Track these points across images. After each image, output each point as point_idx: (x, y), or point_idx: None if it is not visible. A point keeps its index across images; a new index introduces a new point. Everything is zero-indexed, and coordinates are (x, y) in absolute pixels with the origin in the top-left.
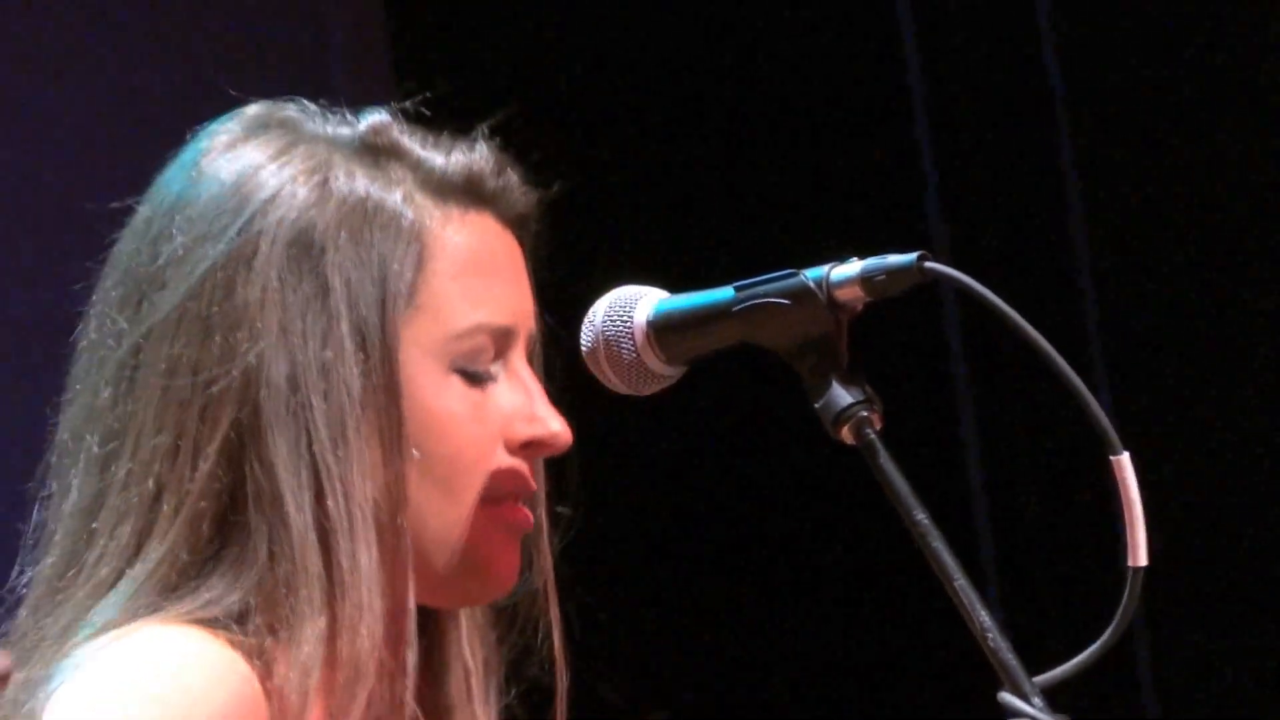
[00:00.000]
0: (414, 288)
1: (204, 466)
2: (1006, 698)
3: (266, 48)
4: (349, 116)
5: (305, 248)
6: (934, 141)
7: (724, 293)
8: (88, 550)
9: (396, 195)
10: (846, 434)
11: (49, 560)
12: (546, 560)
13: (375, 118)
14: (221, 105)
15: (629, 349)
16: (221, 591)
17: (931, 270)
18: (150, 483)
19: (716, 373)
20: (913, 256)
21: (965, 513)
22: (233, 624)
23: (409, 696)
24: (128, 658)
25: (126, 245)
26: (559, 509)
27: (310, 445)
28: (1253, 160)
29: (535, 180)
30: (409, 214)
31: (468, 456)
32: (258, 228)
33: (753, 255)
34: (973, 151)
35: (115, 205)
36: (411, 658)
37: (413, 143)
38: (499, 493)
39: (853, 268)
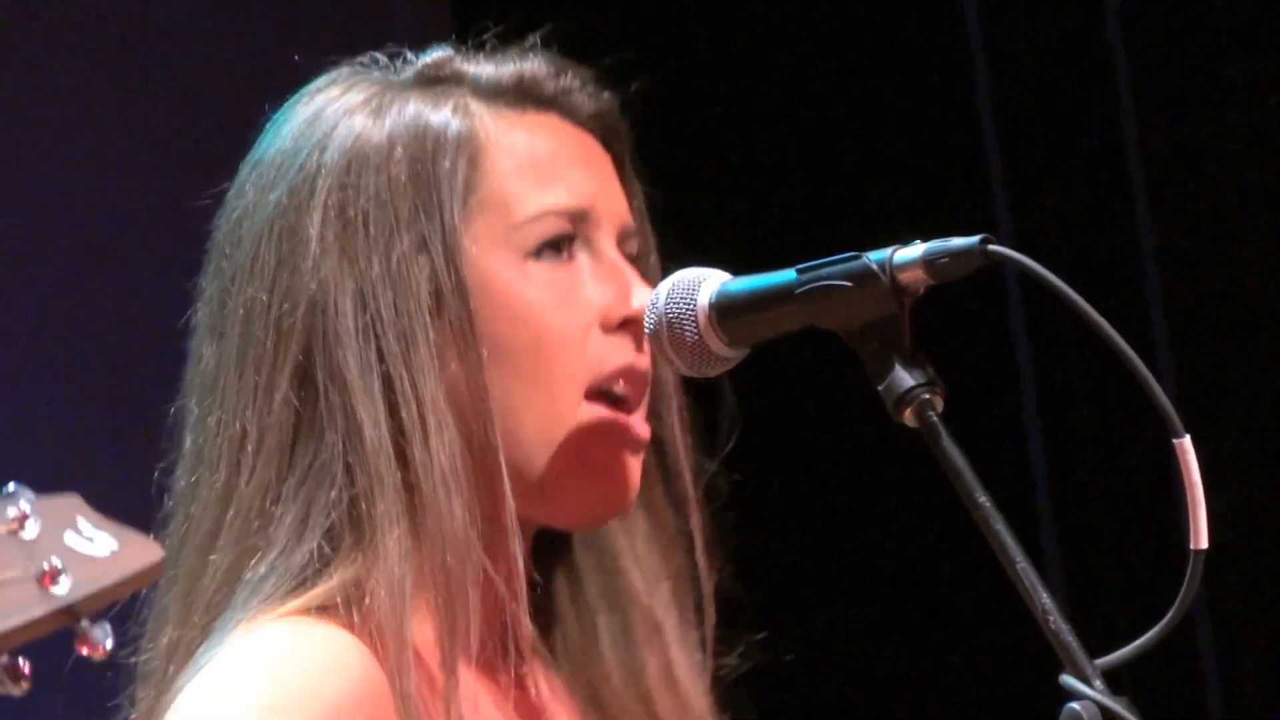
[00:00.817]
0: (471, 185)
1: (277, 397)
2: (1068, 680)
3: (333, 16)
4: (412, 57)
5: (359, 171)
6: (997, 122)
7: (786, 275)
8: (192, 503)
9: (447, 109)
10: (909, 416)
11: (174, 519)
12: (684, 470)
13: (434, 53)
14: (290, 77)
15: (692, 331)
16: (310, 524)
17: (995, 253)
18: (237, 425)
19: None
20: (976, 239)
21: (1027, 496)
22: (335, 591)
23: (523, 618)
24: (243, 661)
25: (216, 218)
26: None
27: (380, 358)
28: None
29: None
30: (459, 122)
31: (554, 341)
32: (315, 162)
33: (814, 236)
34: (1036, 132)
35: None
36: (519, 578)
37: (467, 64)
38: (600, 378)
39: (915, 250)
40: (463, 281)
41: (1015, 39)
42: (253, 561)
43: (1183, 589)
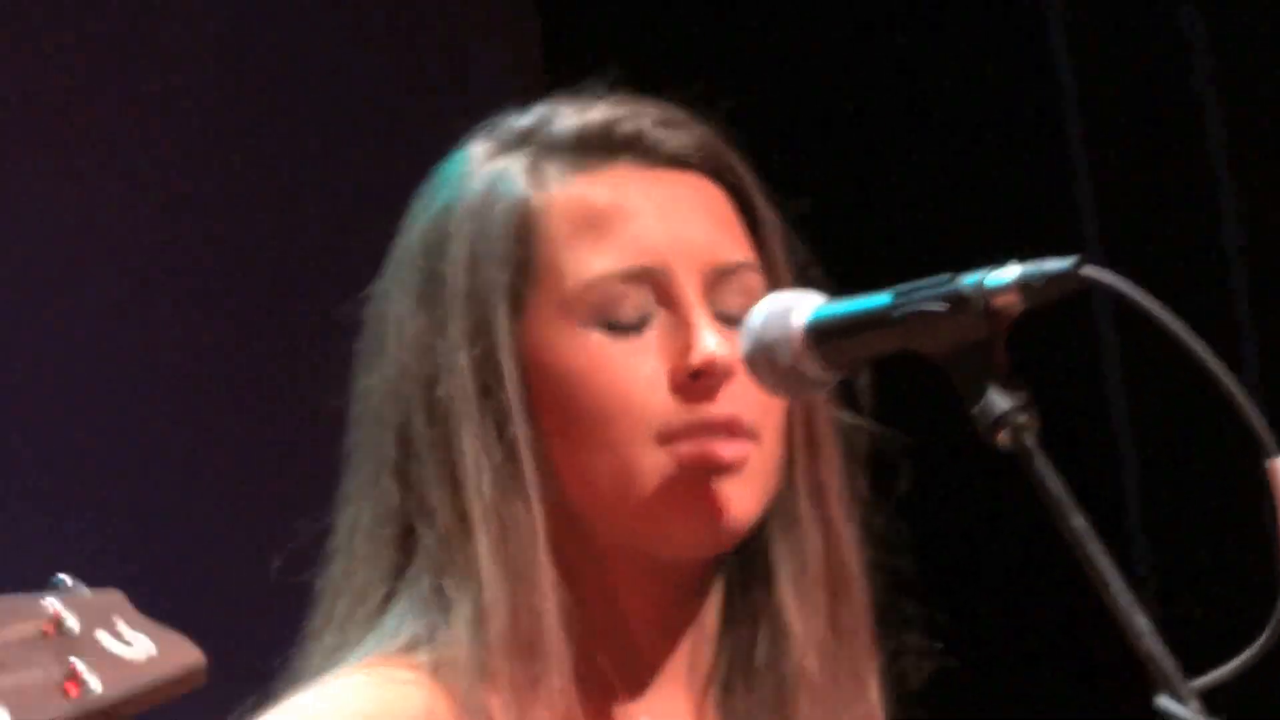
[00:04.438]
0: (525, 258)
1: (379, 485)
2: (1163, 701)
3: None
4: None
5: (430, 252)
6: (1087, 146)
7: (880, 299)
8: (327, 569)
9: (512, 171)
10: (1003, 439)
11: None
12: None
13: (525, 113)
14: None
15: (785, 354)
16: (404, 604)
17: (1090, 277)
18: (352, 508)
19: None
20: (1070, 262)
21: (1119, 517)
22: (420, 643)
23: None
24: (318, 699)
25: None
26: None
27: (446, 440)
28: None
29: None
30: (520, 188)
31: (617, 408)
32: (404, 245)
33: (904, 258)
34: (1125, 154)
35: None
36: (641, 614)
37: (544, 118)
38: (669, 432)
39: (1010, 273)
40: (513, 359)
41: (1103, 62)
42: (356, 618)
43: (1276, 609)
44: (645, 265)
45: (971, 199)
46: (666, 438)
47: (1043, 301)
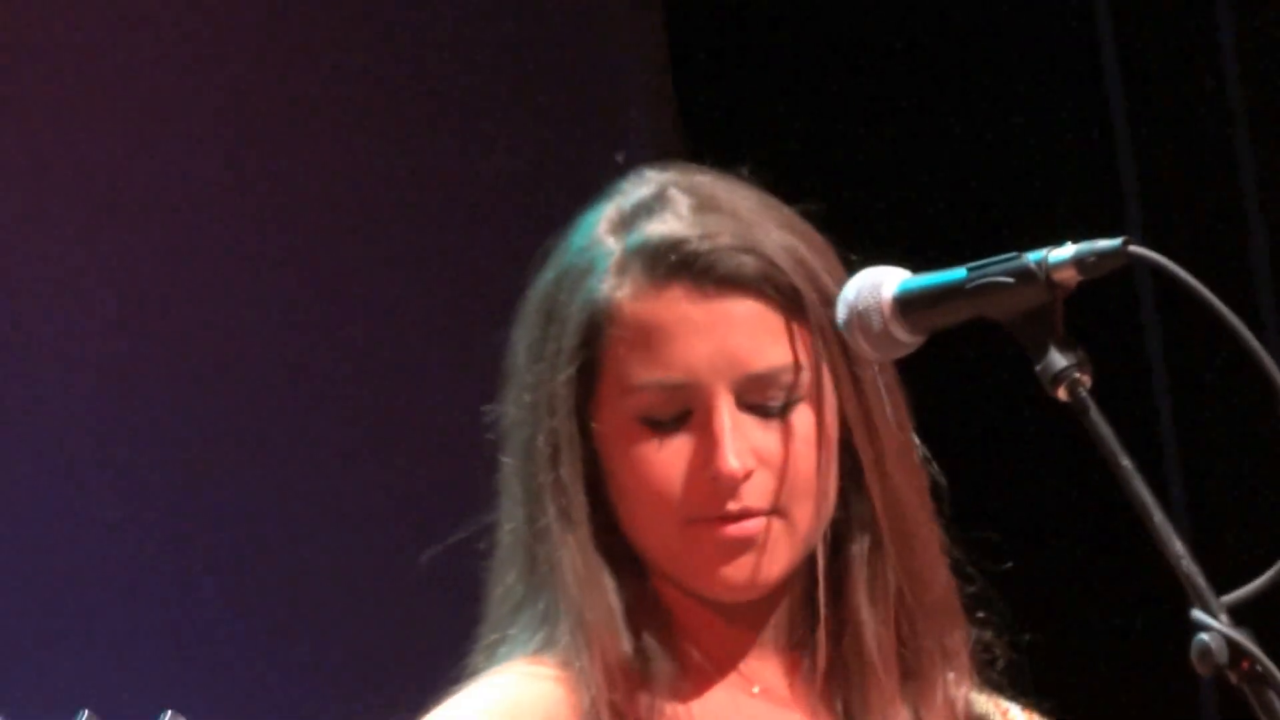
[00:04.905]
0: (591, 356)
1: (509, 503)
2: (1197, 614)
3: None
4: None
5: (540, 312)
6: (1131, 133)
7: (957, 273)
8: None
9: (604, 265)
10: (1062, 392)
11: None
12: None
13: (631, 196)
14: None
15: (878, 321)
16: (530, 614)
17: (1135, 253)
18: (502, 518)
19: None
20: (1118, 241)
21: (1157, 459)
22: (546, 648)
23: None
24: (468, 692)
25: None
26: None
27: (525, 492)
28: None
29: (792, 198)
30: (601, 285)
31: (655, 490)
32: (529, 294)
33: (967, 237)
34: (1165, 140)
35: None
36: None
37: (642, 208)
38: (697, 516)
39: (1067, 251)
40: (575, 440)
41: (1147, 53)
42: (505, 623)
43: None
44: (682, 381)
45: (1026, 187)
46: (692, 521)
47: (1095, 274)
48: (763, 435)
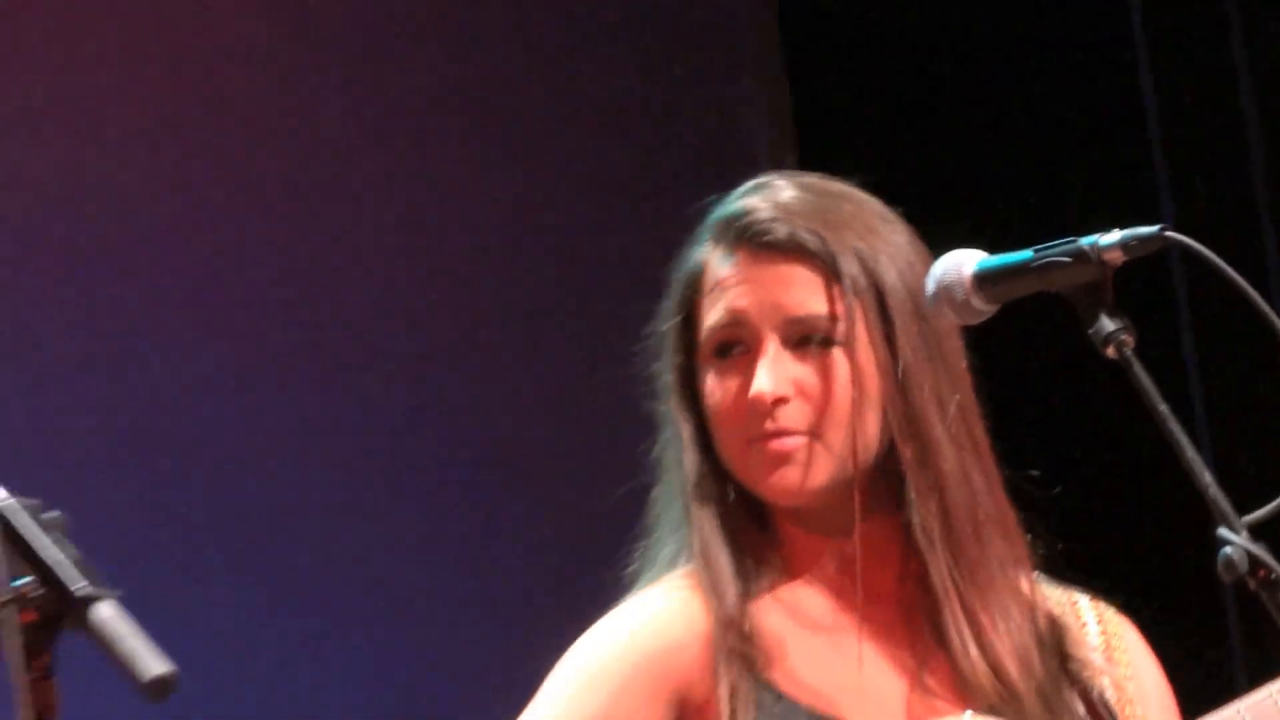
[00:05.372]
0: (691, 308)
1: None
2: (1221, 531)
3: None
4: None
5: (674, 285)
6: (1162, 127)
7: (1025, 254)
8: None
9: (702, 243)
10: (1111, 352)
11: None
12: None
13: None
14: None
15: (960, 293)
16: (673, 544)
17: (1171, 238)
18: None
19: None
20: (1157, 228)
21: (1189, 405)
22: (682, 567)
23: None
24: (618, 610)
25: None
26: None
27: (664, 422)
28: None
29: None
30: (699, 255)
31: (723, 414)
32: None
33: (1027, 227)
34: (1196, 130)
35: None
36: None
37: (725, 202)
38: (749, 435)
39: (1114, 236)
40: (682, 370)
41: (1178, 49)
42: (653, 550)
43: None
44: (734, 322)
45: (1069, 181)
46: (751, 440)
47: (1137, 255)
48: (801, 370)
